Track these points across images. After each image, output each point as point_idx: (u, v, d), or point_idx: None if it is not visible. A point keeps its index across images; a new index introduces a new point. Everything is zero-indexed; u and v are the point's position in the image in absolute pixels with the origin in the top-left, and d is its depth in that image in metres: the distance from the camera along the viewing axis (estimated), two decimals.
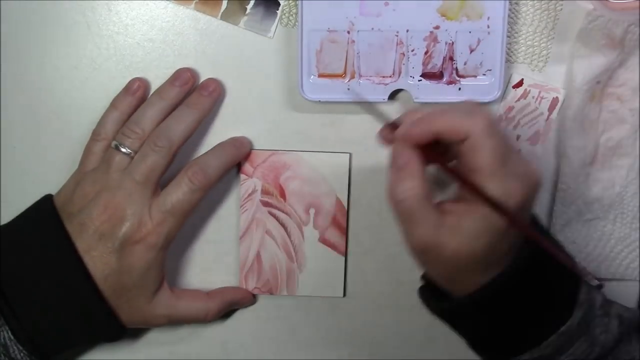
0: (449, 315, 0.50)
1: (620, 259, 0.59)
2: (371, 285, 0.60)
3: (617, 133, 0.57)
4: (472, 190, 0.45)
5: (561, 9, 0.56)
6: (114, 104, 0.55)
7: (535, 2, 0.56)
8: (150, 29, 0.57)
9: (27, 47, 0.56)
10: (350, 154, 0.58)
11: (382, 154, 0.56)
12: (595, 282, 0.47)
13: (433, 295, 0.50)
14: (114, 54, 0.57)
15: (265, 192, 0.58)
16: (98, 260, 0.52)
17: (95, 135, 0.55)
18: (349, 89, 0.56)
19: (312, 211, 0.58)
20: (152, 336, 0.60)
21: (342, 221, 0.58)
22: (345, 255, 0.59)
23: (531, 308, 0.47)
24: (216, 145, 0.56)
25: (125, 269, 0.52)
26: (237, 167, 0.58)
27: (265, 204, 0.58)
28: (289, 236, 0.58)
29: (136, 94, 0.55)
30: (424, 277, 0.52)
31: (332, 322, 0.60)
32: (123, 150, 0.53)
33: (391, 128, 0.48)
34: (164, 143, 0.52)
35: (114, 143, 0.53)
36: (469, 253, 0.45)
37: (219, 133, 0.58)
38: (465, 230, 0.45)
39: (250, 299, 0.59)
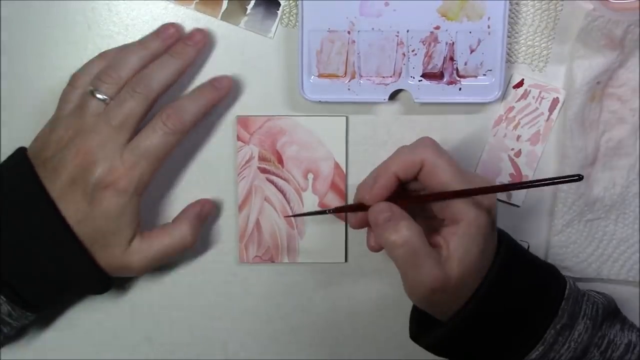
0: (441, 344, 0.51)
1: (623, 259, 0.59)
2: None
3: (618, 133, 0.57)
4: (457, 195, 0.48)
5: (561, 9, 0.56)
6: (102, 54, 0.55)
7: (535, 2, 0.56)
8: (151, 30, 0.56)
9: (27, 47, 0.57)
10: (347, 117, 0.57)
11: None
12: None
13: (420, 330, 0.53)
14: None
15: (262, 158, 0.57)
16: (71, 205, 0.51)
17: (73, 81, 0.54)
18: (349, 89, 0.56)
19: (310, 176, 0.58)
20: (153, 336, 0.60)
21: (341, 185, 0.58)
22: (346, 220, 0.59)
23: (526, 298, 0.50)
24: (195, 89, 0.55)
25: (97, 215, 0.51)
26: (236, 136, 0.57)
27: (263, 170, 0.58)
28: (288, 202, 0.58)
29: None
30: (412, 315, 0.55)
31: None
32: (98, 96, 0.52)
33: (354, 210, 0.52)
34: (142, 89, 0.52)
35: (89, 88, 0.52)
36: (470, 269, 0.48)
37: (220, 132, 0.58)
38: (459, 250, 0.48)
39: (211, 205, 0.58)
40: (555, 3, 0.56)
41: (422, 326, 0.53)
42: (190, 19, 0.56)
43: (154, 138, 0.52)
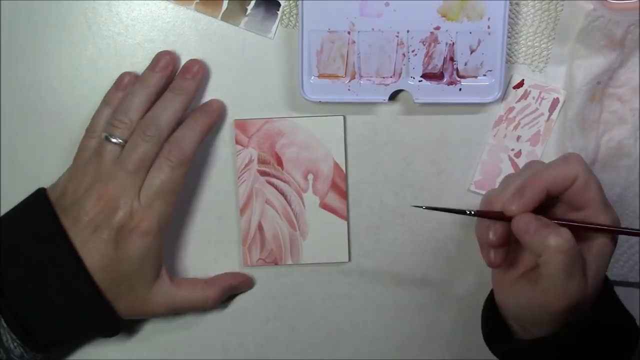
0: (520, 357, 0.50)
1: (623, 261, 0.59)
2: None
3: (618, 133, 0.57)
4: (601, 230, 0.48)
5: (561, 10, 0.56)
6: (106, 100, 0.55)
7: (535, 2, 0.56)
8: (151, 30, 0.57)
9: (27, 47, 0.57)
10: (344, 116, 0.57)
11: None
12: None
13: (496, 335, 0.52)
14: (114, 55, 0.57)
15: (261, 161, 0.58)
16: (95, 252, 0.52)
17: (89, 132, 0.55)
18: (349, 89, 0.56)
19: (310, 177, 0.58)
20: (153, 336, 0.60)
21: (341, 185, 0.58)
22: (347, 219, 0.59)
23: (610, 341, 0.49)
24: (187, 118, 0.56)
25: (122, 258, 0.52)
26: (234, 139, 0.57)
27: (263, 173, 0.58)
28: (289, 204, 0.58)
29: (127, 88, 0.55)
30: (484, 316, 0.54)
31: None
32: (113, 140, 0.53)
33: (497, 217, 0.49)
34: (153, 132, 0.53)
35: (103, 134, 0.53)
36: (597, 291, 0.48)
37: (218, 136, 0.58)
38: (593, 270, 0.48)
39: (249, 283, 0.59)
40: (555, 3, 0.56)
41: (494, 331, 0.52)
42: (190, 19, 0.57)
43: (162, 175, 0.53)
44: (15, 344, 0.51)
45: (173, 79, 0.55)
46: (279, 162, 0.58)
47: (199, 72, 0.55)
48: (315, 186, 0.58)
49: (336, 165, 0.58)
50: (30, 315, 0.51)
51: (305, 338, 0.61)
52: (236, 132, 0.57)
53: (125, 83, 0.55)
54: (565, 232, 0.45)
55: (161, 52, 0.56)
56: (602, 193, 0.48)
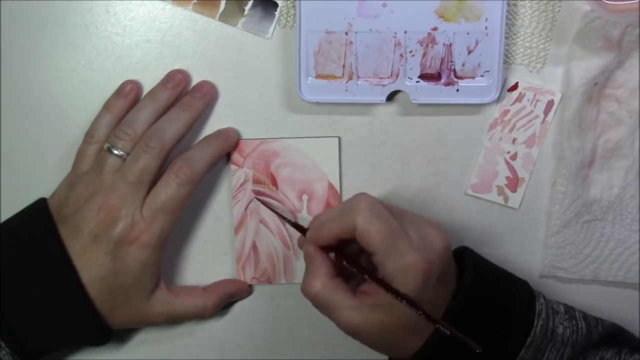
0: None
1: (621, 261, 0.58)
2: None
3: (615, 134, 0.57)
4: (375, 281, 0.49)
5: (559, 11, 0.56)
6: (106, 106, 0.55)
7: (533, 3, 0.56)
8: (148, 30, 0.57)
9: (25, 48, 0.57)
10: (339, 137, 0.58)
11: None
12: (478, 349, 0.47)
13: None
14: (112, 55, 0.57)
15: (256, 181, 0.58)
16: (93, 262, 0.52)
17: (88, 137, 0.55)
18: (347, 90, 0.56)
19: (305, 197, 0.58)
20: (151, 337, 0.60)
21: (335, 205, 0.58)
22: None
23: (483, 342, 0.48)
24: (203, 138, 0.56)
25: (121, 269, 0.52)
26: (227, 157, 0.58)
27: (258, 193, 0.58)
28: (284, 224, 0.58)
29: (128, 96, 0.55)
30: None
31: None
32: (115, 152, 0.53)
33: (302, 233, 0.54)
34: (155, 144, 0.53)
35: (106, 145, 0.53)
36: (392, 323, 0.49)
37: None
38: (382, 304, 0.48)
39: (246, 290, 0.59)
40: (552, 4, 0.56)
41: None
42: (188, 19, 0.57)
43: (168, 190, 0.53)
44: (4, 351, 0.51)
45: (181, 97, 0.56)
46: (274, 183, 0.58)
47: (209, 92, 0.56)
48: (310, 207, 0.58)
49: (330, 186, 0.58)
50: (22, 325, 0.51)
51: (302, 338, 0.61)
52: (231, 151, 0.57)
53: (127, 91, 0.55)
54: (313, 282, 0.50)
55: (174, 70, 0.56)
56: (389, 240, 0.48)
